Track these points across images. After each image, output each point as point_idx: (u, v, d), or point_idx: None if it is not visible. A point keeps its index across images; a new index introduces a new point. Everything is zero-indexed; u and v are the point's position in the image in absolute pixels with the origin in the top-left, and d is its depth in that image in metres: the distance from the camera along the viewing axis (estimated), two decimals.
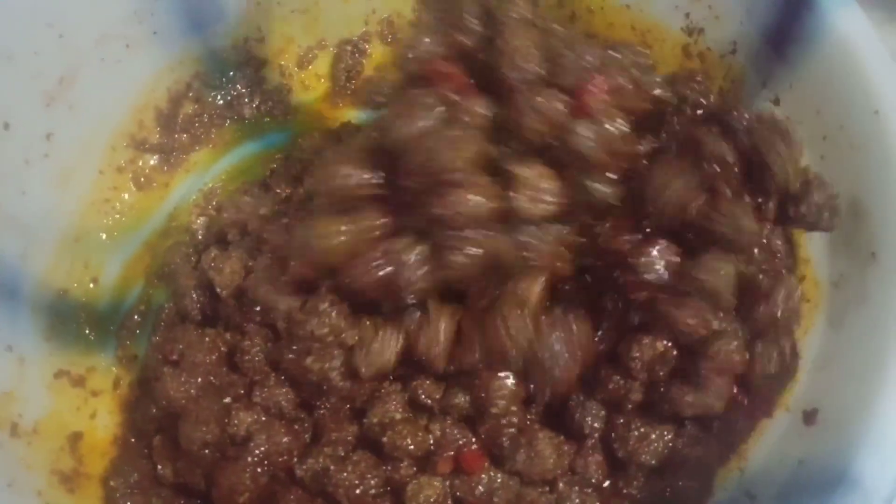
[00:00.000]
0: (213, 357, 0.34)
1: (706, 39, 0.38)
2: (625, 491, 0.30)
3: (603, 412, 0.30)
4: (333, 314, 0.30)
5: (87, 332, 0.39)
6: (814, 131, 0.32)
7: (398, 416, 0.30)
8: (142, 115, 0.42)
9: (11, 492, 0.29)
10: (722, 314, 0.28)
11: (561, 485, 0.30)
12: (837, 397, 0.26)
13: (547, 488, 0.30)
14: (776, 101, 0.34)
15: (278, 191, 0.42)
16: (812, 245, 0.32)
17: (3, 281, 0.35)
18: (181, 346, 0.34)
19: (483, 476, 0.30)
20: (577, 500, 0.29)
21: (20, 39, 0.35)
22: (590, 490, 0.30)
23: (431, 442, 0.30)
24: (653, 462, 0.30)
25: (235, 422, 0.32)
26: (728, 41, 0.37)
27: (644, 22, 0.40)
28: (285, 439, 0.32)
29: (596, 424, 0.30)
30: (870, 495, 0.22)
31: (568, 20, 0.42)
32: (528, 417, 0.31)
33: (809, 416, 0.27)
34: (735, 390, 0.28)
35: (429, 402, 0.31)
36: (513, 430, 0.29)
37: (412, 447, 0.30)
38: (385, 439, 0.30)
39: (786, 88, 0.34)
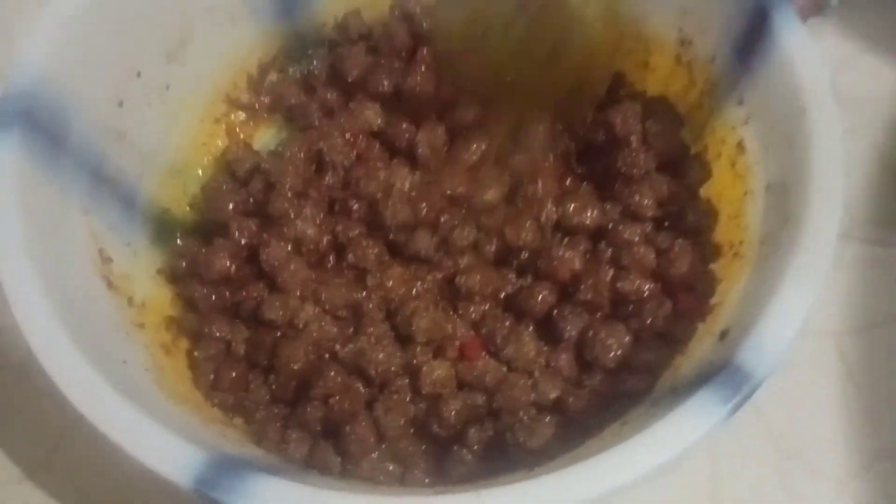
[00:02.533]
0: None
1: (694, 50, 0.47)
2: (586, 384, 0.39)
3: (581, 323, 0.40)
4: None
5: (179, 241, 0.49)
6: (764, 126, 0.41)
7: (425, 315, 0.40)
8: (236, 78, 0.52)
9: (129, 341, 0.39)
10: None
11: (537, 373, 0.39)
12: (742, 319, 0.35)
13: (527, 376, 0.39)
14: (740, 101, 0.43)
15: None
16: (751, 216, 0.41)
17: (125, 193, 0.45)
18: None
19: (479, 363, 0.39)
20: (548, 385, 0.39)
21: (153, 8, 0.45)
22: (558, 380, 0.39)
23: (444, 336, 0.40)
24: (612, 365, 0.39)
25: (301, 314, 0.42)
26: (710, 52, 0.46)
27: (647, 32, 0.49)
28: (334, 329, 0.42)
29: (573, 332, 0.40)
30: (747, 375, 0.31)
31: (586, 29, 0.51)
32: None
33: (723, 335, 0.36)
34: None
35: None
36: (505, 329, 0.39)
37: (430, 337, 0.40)
38: (413, 328, 0.40)
39: (748, 91, 0.43)
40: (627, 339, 0.39)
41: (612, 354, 0.39)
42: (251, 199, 0.49)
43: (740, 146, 0.43)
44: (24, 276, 0.34)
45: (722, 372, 0.32)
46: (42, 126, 0.38)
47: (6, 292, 0.33)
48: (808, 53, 0.39)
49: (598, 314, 0.41)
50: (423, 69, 0.49)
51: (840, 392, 0.48)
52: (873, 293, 0.50)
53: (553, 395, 0.39)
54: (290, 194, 0.47)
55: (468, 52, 0.46)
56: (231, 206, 0.48)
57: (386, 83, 0.50)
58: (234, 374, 0.42)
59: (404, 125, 0.48)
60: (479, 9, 0.45)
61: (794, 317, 0.33)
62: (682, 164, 0.47)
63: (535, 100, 0.47)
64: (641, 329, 0.40)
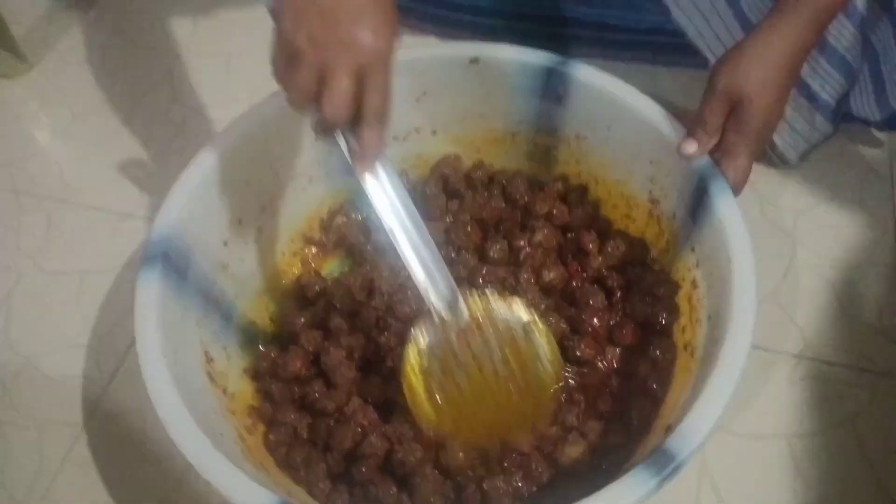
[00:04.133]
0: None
1: (660, 208, 0.60)
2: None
3: None
4: None
5: (261, 347, 0.63)
6: (707, 269, 0.54)
7: None
8: (311, 222, 0.68)
9: (225, 422, 0.53)
10: None
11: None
12: (679, 417, 0.47)
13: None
14: (692, 249, 0.56)
15: None
16: (697, 340, 0.53)
17: (225, 309, 0.60)
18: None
19: None
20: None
21: (254, 177, 0.61)
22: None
23: None
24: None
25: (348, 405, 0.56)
26: (671, 210, 0.59)
27: (627, 192, 0.63)
28: (375, 416, 0.55)
29: None
30: (673, 457, 0.43)
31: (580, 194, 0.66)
32: None
33: (668, 429, 0.47)
34: None
35: None
36: None
37: None
38: None
39: (697, 242, 0.56)
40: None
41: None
42: (317, 316, 0.63)
43: (694, 283, 0.56)
44: (159, 369, 0.48)
45: (655, 454, 0.43)
46: (174, 263, 0.53)
47: (146, 379, 0.48)
48: (735, 217, 0.52)
49: None
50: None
51: (790, 487, 0.57)
52: (820, 404, 0.61)
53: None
54: (345, 313, 0.61)
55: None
56: (301, 320, 0.62)
57: None
58: (299, 454, 0.55)
59: None
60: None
61: (712, 414, 0.45)
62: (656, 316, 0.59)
63: (514, 428, 0.54)
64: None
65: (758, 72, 0.52)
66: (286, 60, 0.44)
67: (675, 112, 0.58)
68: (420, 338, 0.52)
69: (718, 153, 0.54)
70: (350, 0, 0.44)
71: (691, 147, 0.54)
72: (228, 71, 0.87)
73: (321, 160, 0.65)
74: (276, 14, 0.45)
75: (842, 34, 0.64)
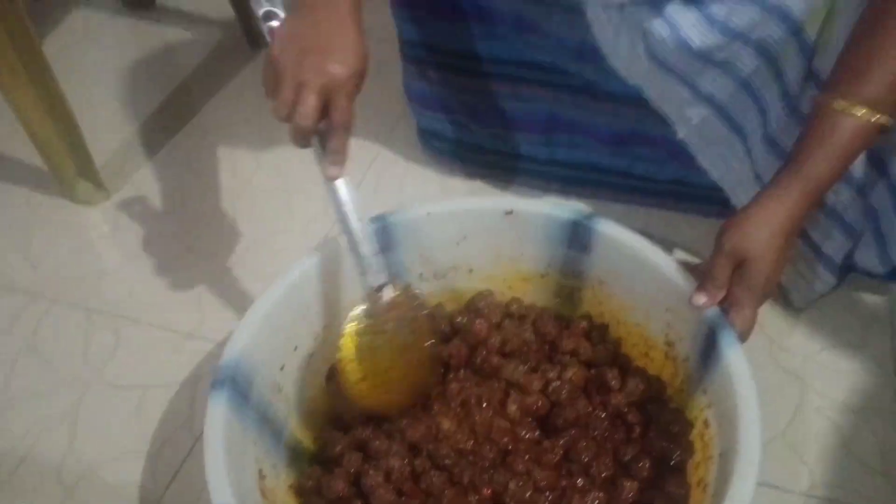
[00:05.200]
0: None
1: (676, 351, 0.66)
2: None
3: None
4: None
5: (307, 466, 0.68)
6: (718, 410, 0.59)
7: None
8: None
9: None
10: None
11: None
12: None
13: None
14: (705, 391, 0.62)
15: None
16: (710, 477, 0.58)
17: (277, 429, 0.66)
18: None
19: None
20: None
21: (309, 310, 0.69)
22: None
23: None
24: None
25: None
26: (685, 354, 0.65)
27: (646, 334, 0.69)
28: None
29: None
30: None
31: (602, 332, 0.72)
32: None
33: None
34: None
35: None
36: None
37: None
38: None
39: (708, 384, 0.61)
40: None
41: None
42: (358, 438, 0.68)
43: (706, 423, 0.61)
44: (223, 482, 0.54)
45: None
46: (239, 386, 0.60)
47: (212, 493, 0.53)
48: (742, 365, 0.58)
49: None
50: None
51: None
52: None
53: None
54: (384, 437, 0.66)
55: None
56: (344, 442, 0.68)
57: None
58: None
59: None
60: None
61: None
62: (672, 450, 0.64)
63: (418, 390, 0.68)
64: None
65: (759, 235, 0.59)
66: (273, 77, 0.58)
67: (689, 262, 0.65)
68: (354, 322, 0.64)
69: (726, 305, 0.61)
70: (324, 36, 0.58)
71: (702, 299, 0.61)
72: (289, 204, 0.97)
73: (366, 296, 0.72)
74: (272, 38, 0.60)
75: (841, 197, 0.71)
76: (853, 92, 0.57)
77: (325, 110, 0.58)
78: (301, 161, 1.01)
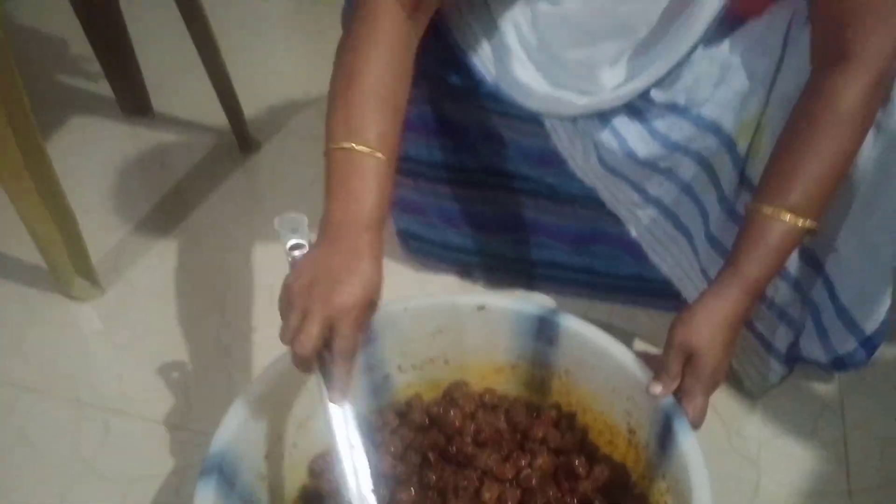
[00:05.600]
0: None
1: (637, 437, 0.71)
2: None
3: None
4: None
5: None
6: (676, 494, 0.64)
7: None
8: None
9: None
10: None
11: None
12: None
13: None
14: (664, 476, 0.66)
15: None
16: None
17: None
18: None
19: None
20: None
21: (295, 398, 0.73)
22: None
23: None
24: None
25: None
26: (645, 440, 0.70)
27: (610, 421, 0.74)
28: None
29: None
30: None
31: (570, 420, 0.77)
32: None
33: None
34: None
35: None
36: None
37: None
38: None
39: (667, 469, 0.66)
40: None
41: None
42: None
43: None
44: None
45: None
46: (225, 475, 0.64)
47: None
48: (695, 451, 0.62)
49: None
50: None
51: None
52: None
53: None
54: None
55: None
56: None
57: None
58: None
59: None
60: None
61: None
62: None
63: None
64: None
65: (705, 330, 0.65)
66: (285, 302, 0.61)
67: (649, 353, 0.70)
68: None
69: (679, 394, 0.66)
70: (336, 267, 0.61)
71: (657, 389, 0.66)
72: (275, 302, 1.02)
73: None
74: (291, 266, 0.64)
75: (782, 293, 0.78)
76: (779, 199, 0.65)
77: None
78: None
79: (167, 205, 1.23)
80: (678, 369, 0.66)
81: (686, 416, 0.65)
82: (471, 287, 1.03)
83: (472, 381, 0.82)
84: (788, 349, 0.82)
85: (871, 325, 0.75)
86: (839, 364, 0.80)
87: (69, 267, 1.03)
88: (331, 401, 0.61)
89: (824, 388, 0.87)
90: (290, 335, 0.60)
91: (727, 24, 0.74)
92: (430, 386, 0.82)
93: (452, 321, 0.78)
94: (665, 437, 0.66)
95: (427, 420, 0.79)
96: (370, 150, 0.65)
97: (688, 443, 0.63)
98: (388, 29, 0.68)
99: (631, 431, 0.72)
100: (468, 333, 0.79)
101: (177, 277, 1.08)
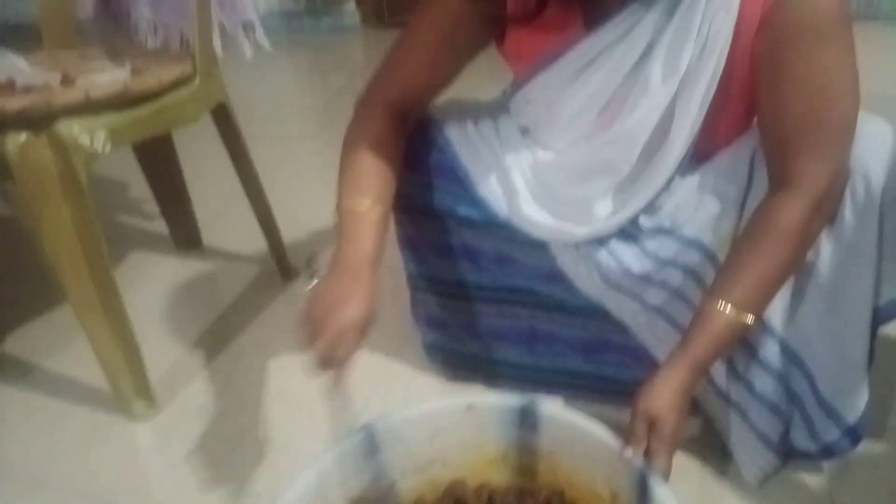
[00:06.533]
0: None
1: (620, 500, 0.78)
2: None
3: None
4: None
5: None
6: None
7: None
8: None
9: None
10: None
11: None
12: None
13: None
14: None
15: None
16: None
17: None
18: None
19: None
20: None
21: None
22: None
23: None
24: None
25: None
26: (628, 500, 0.76)
27: (594, 490, 0.80)
28: None
29: None
30: None
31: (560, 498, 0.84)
32: None
33: None
34: None
35: None
36: None
37: None
38: None
39: None
40: None
41: None
42: None
43: None
44: None
45: None
46: None
47: None
48: (669, 495, 0.69)
49: None
50: None
51: None
52: None
53: None
54: None
55: None
56: None
57: None
58: None
59: None
60: None
61: None
62: None
63: None
64: None
65: (662, 397, 0.75)
66: (302, 317, 0.77)
67: (620, 426, 0.78)
68: None
69: (647, 455, 0.74)
70: (338, 295, 0.78)
71: (629, 452, 0.74)
72: (314, 413, 1.12)
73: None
74: (307, 294, 0.80)
75: (767, 386, 0.86)
76: (725, 295, 0.77)
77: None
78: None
79: (215, 330, 1.35)
80: (644, 433, 0.74)
81: (656, 472, 0.72)
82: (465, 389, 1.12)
83: (468, 476, 0.89)
84: (780, 440, 0.89)
85: (852, 415, 0.83)
86: (827, 452, 0.87)
87: (131, 389, 1.14)
88: (332, 395, 0.76)
89: (814, 480, 0.93)
90: (309, 344, 0.76)
91: (698, 158, 0.87)
92: (432, 487, 0.89)
93: (446, 423, 0.86)
94: (643, 492, 0.73)
95: None
96: (370, 203, 0.85)
97: (662, 491, 0.71)
98: (380, 125, 0.91)
99: (614, 496, 0.79)
100: (461, 432, 0.86)
101: (225, 396, 1.18)
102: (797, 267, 0.79)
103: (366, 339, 0.78)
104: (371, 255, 0.83)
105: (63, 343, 1.31)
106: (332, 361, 0.76)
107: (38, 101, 0.94)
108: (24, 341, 1.35)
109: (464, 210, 0.98)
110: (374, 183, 0.87)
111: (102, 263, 1.03)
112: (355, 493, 0.82)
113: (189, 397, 1.19)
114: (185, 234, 1.61)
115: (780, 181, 0.76)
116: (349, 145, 0.90)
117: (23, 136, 0.94)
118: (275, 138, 2.23)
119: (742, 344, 0.86)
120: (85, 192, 0.98)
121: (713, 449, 0.98)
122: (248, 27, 1.21)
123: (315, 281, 0.82)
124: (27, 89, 1.00)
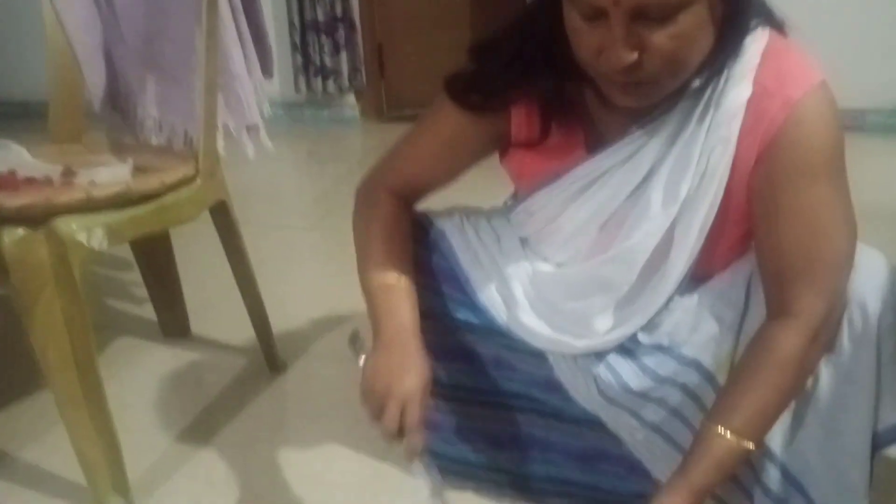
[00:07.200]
0: None
1: None
2: None
3: None
4: None
5: None
6: None
7: None
8: None
9: None
10: None
11: None
12: None
13: None
14: None
15: None
16: None
17: None
18: None
19: None
20: None
21: None
22: None
23: None
24: None
25: None
26: None
27: None
28: None
29: None
30: None
31: None
32: None
33: None
34: None
35: None
36: None
37: None
38: None
39: None
40: None
41: None
42: None
43: None
44: None
45: None
46: None
47: None
48: None
49: None
50: None
51: None
52: None
53: None
54: None
55: None
56: None
57: None
58: None
59: None
60: None
61: None
62: None
63: None
64: None
65: None
66: (366, 394, 0.82)
67: None
68: None
69: None
70: (394, 367, 0.82)
71: None
72: None
73: None
74: (363, 371, 0.84)
75: None
76: (725, 421, 0.76)
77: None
78: (314, 480, 1.15)
79: (199, 423, 1.32)
80: None
81: None
82: (482, 501, 1.08)
83: None
84: None
85: None
86: None
87: (108, 485, 1.10)
88: (409, 459, 0.81)
89: None
90: (375, 417, 0.81)
91: (696, 278, 0.88)
92: None
93: None
94: None
95: None
96: (397, 275, 0.90)
97: None
98: (389, 204, 0.95)
99: None
100: None
101: (203, 498, 1.15)
102: (796, 394, 0.79)
103: (427, 404, 0.83)
104: (412, 324, 0.87)
105: (41, 430, 1.28)
106: (402, 430, 0.79)
107: (39, 199, 0.94)
108: (1, 426, 1.31)
109: (463, 315, 0.99)
110: (396, 254, 0.92)
111: (89, 360, 1.01)
112: None
113: (167, 496, 1.15)
114: (173, 322, 1.59)
115: (777, 311, 0.77)
116: (363, 224, 0.95)
117: (20, 232, 0.94)
118: (272, 227, 2.24)
119: (747, 466, 0.85)
120: (79, 289, 0.98)
121: None
122: (251, 129, 1.23)
123: (363, 356, 0.86)
124: (28, 181, 1.00)
